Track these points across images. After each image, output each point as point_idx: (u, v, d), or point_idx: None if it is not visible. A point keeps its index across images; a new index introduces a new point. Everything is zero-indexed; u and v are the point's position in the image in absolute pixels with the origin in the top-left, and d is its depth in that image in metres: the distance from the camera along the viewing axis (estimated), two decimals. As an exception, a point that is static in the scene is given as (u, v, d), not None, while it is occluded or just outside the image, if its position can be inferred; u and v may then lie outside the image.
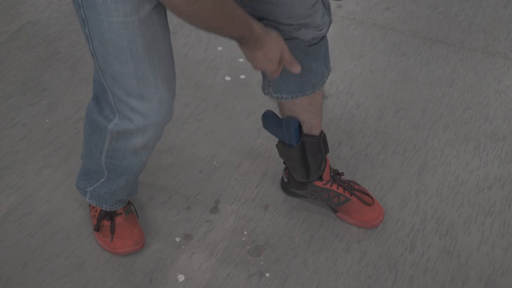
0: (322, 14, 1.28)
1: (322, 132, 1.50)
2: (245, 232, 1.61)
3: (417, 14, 2.46)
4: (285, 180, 1.66)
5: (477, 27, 2.40)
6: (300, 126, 1.44)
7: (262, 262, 1.55)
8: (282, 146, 1.50)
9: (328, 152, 1.53)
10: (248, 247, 1.58)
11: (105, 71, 1.14)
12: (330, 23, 1.32)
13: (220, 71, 2.14)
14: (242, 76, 2.12)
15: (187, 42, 2.25)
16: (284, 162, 1.63)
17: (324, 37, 1.33)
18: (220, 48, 2.24)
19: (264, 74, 1.42)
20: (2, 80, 2.08)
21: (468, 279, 1.52)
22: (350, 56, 2.23)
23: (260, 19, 1.24)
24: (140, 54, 1.11)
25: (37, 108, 1.97)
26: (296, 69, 1.23)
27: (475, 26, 2.40)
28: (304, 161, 1.49)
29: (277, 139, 1.53)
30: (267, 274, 1.52)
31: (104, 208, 1.54)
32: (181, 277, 1.51)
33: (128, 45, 1.09)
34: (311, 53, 1.33)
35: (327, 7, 1.30)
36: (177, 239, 1.59)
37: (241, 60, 2.18)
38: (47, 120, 1.93)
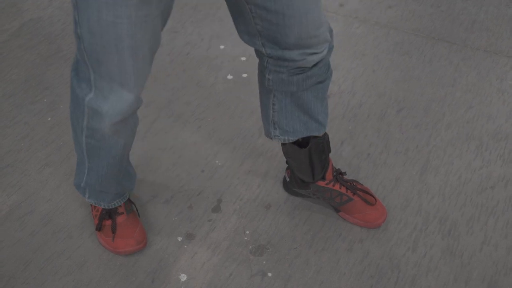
0: (326, 38, 1.28)
1: (325, 133, 1.50)
2: (247, 232, 1.61)
3: (419, 13, 2.45)
4: (287, 179, 1.66)
5: (480, 25, 2.39)
6: None
7: (264, 262, 1.54)
8: (291, 146, 1.49)
9: (330, 152, 1.53)
10: (250, 247, 1.58)
11: (90, 54, 1.14)
12: (331, 48, 1.33)
13: (222, 70, 2.13)
14: (244, 75, 2.11)
15: (189, 41, 2.25)
16: (286, 162, 1.63)
17: (329, 70, 1.35)
18: (222, 47, 2.23)
19: (266, 119, 1.45)
20: (4, 79, 2.08)
21: (470, 280, 1.52)
22: (353, 55, 2.22)
23: (272, 42, 1.24)
24: (125, 54, 1.12)
25: (39, 107, 1.97)
26: None
27: (477, 25, 2.39)
28: (311, 162, 1.50)
29: None
30: (269, 274, 1.52)
31: (103, 206, 1.53)
32: (183, 277, 1.51)
33: (114, 43, 1.09)
34: (321, 91, 1.37)
35: (330, 33, 1.31)
36: (179, 239, 1.59)
37: (243, 58, 2.18)
38: (49, 119, 1.93)
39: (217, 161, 1.80)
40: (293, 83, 1.32)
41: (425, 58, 2.22)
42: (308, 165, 1.50)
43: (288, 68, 1.29)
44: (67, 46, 2.23)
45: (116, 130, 1.29)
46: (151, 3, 1.07)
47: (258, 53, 1.33)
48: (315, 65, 1.29)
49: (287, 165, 1.66)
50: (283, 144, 1.51)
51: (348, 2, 2.50)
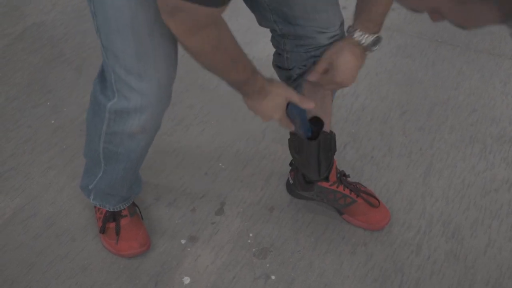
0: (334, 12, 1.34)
1: (331, 131, 1.50)
2: (251, 235, 1.61)
3: (422, 16, 2.45)
4: (291, 182, 1.66)
5: (483, 28, 2.39)
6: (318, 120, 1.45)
7: (267, 265, 1.54)
8: (298, 140, 1.48)
9: (336, 151, 1.53)
10: (253, 250, 1.58)
11: (107, 48, 1.15)
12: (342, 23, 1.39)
13: (225, 73, 2.13)
14: (247, 78, 2.11)
15: (192, 44, 2.25)
16: (290, 163, 1.63)
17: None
18: (225, 50, 2.23)
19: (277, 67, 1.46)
20: (7, 82, 2.08)
21: (475, 283, 1.51)
22: (355, 58, 2.22)
23: (281, 17, 1.28)
24: (142, 33, 1.11)
25: (42, 110, 1.97)
26: (310, 104, 1.29)
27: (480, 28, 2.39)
28: (318, 157, 1.49)
29: (284, 140, 1.52)
30: (273, 277, 1.52)
31: (107, 208, 1.53)
32: (186, 280, 1.51)
33: (130, 23, 1.10)
34: None
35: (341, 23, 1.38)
36: (183, 241, 1.59)
37: (246, 62, 2.18)
38: (52, 122, 1.93)
39: (220, 164, 1.80)
40: (311, 59, 1.36)
41: (428, 61, 2.22)
42: (316, 159, 1.49)
43: (305, 47, 1.33)
44: (70, 49, 2.23)
45: (143, 129, 1.26)
46: None
47: (273, 37, 1.37)
48: (331, 43, 1.34)
49: (290, 168, 1.66)
50: (291, 140, 1.49)
51: (350, 5, 2.49)
